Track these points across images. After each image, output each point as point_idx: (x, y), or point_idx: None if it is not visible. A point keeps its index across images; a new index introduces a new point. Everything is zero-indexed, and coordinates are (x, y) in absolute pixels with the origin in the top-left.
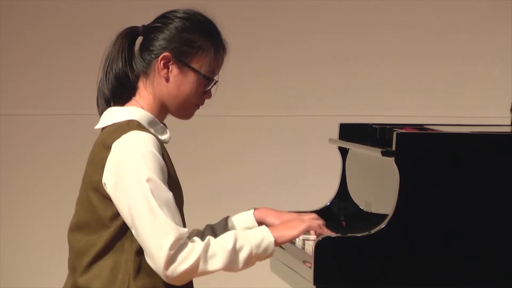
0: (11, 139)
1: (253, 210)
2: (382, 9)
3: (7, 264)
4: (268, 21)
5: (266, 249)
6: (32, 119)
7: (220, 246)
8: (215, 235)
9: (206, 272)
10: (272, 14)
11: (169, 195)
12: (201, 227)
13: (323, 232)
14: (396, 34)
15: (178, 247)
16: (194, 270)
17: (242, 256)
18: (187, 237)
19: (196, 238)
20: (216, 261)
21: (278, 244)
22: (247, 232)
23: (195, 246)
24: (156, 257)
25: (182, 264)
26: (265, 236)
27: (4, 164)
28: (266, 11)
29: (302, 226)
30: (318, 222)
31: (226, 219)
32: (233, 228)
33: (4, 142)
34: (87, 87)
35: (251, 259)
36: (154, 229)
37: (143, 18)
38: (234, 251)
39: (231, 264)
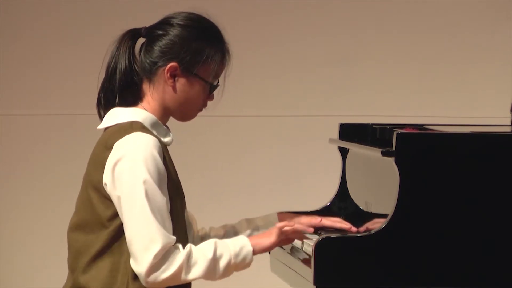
0: (11, 139)
1: (276, 213)
2: (382, 9)
3: (7, 264)
4: (268, 21)
5: (244, 258)
6: (32, 119)
7: (201, 255)
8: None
9: (186, 281)
10: (272, 14)
11: (162, 201)
12: (200, 226)
13: (302, 237)
14: (396, 34)
15: (163, 255)
16: (175, 278)
17: (221, 265)
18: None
19: (179, 245)
20: (197, 270)
21: (256, 253)
22: (226, 241)
23: (178, 255)
24: (139, 262)
25: (164, 273)
26: (244, 245)
27: (4, 164)
28: (266, 11)
29: (276, 233)
30: (293, 228)
31: (247, 220)
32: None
33: (4, 142)
34: (87, 87)
35: (230, 268)
36: (143, 233)
37: (144, 18)
38: (214, 260)
39: (211, 273)
